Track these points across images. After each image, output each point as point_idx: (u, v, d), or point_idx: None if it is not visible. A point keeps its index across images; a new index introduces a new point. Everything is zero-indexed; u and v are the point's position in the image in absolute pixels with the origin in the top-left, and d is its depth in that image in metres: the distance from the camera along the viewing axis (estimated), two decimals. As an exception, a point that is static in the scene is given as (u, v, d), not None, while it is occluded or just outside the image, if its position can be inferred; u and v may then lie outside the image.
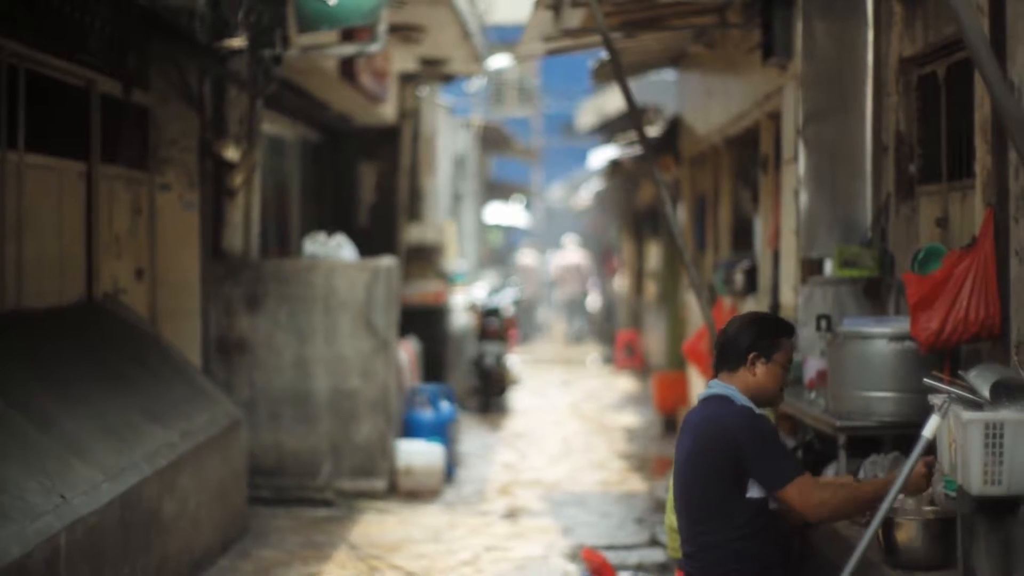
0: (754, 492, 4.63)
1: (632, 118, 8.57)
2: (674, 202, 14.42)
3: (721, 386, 4.81)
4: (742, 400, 4.74)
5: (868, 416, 6.18)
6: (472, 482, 11.70)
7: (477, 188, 28.57)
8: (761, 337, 4.79)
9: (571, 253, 32.99)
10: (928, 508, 4.97)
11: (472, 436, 14.45)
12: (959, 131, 6.21)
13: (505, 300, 19.85)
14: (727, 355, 4.82)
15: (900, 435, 6.04)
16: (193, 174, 9.79)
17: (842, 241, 7.50)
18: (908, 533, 4.82)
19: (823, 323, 6.66)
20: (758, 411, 4.74)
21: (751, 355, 4.77)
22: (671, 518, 5.19)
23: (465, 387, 16.86)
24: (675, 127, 15.04)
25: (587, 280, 31.85)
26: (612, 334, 24.73)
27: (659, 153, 14.33)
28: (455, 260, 18.63)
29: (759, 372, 4.78)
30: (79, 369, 7.44)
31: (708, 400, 4.82)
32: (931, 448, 4.84)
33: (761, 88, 9.70)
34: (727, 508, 4.63)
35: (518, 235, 40.36)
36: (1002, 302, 5.38)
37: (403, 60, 14.91)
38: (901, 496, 4.79)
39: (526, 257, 36.11)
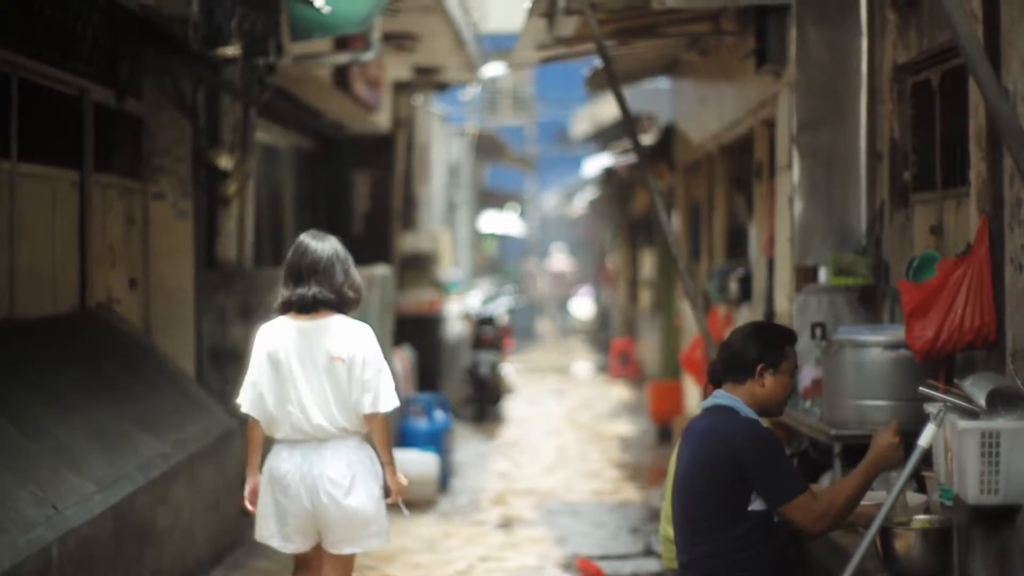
0: (756, 504, 4.61)
1: (626, 126, 8.56)
2: (668, 210, 14.42)
3: (727, 397, 4.77)
4: (747, 412, 4.71)
5: (863, 425, 6.17)
6: (466, 492, 11.67)
7: (471, 196, 28.58)
8: (768, 348, 4.78)
9: (557, 261, 33.96)
10: (925, 517, 4.96)
11: (466, 445, 14.42)
12: (953, 138, 6.20)
13: (499, 309, 19.85)
14: (733, 367, 4.79)
15: (896, 444, 6.02)
16: (187, 183, 9.76)
17: (837, 249, 7.49)
18: (905, 542, 4.81)
19: (818, 331, 6.65)
20: (764, 424, 4.72)
21: (759, 366, 4.75)
22: (667, 528, 5.17)
23: (459, 396, 16.84)
24: (669, 135, 15.05)
25: (571, 286, 32.93)
26: (607, 343, 24.72)
27: (653, 161, 14.32)
28: (449, 269, 18.63)
29: (768, 383, 4.76)
30: (72, 379, 7.41)
31: (712, 411, 4.78)
32: (927, 457, 4.83)
33: (755, 95, 9.70)
34: (728, 519, 4.61)
35: (514, 243, 40.41)
36: (997, 310, 5.37)
37: (397, 68, 14.91)
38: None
39: (532, 263, 36.70)
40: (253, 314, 10.52)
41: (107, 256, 9.00)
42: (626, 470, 12.94)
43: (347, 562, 5.83)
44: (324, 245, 5.79)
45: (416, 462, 10.84)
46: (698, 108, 12.61)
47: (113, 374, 8.04)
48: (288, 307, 5.77)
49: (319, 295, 5.69)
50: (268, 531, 5.81)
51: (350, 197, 16.09)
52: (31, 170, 7.81)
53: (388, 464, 5.79)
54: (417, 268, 16.55)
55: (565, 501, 11.35)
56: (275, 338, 5.75)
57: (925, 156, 6.71)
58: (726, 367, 4.82)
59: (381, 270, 10.97)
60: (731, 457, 4.59)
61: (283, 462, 5.72)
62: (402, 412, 11.53)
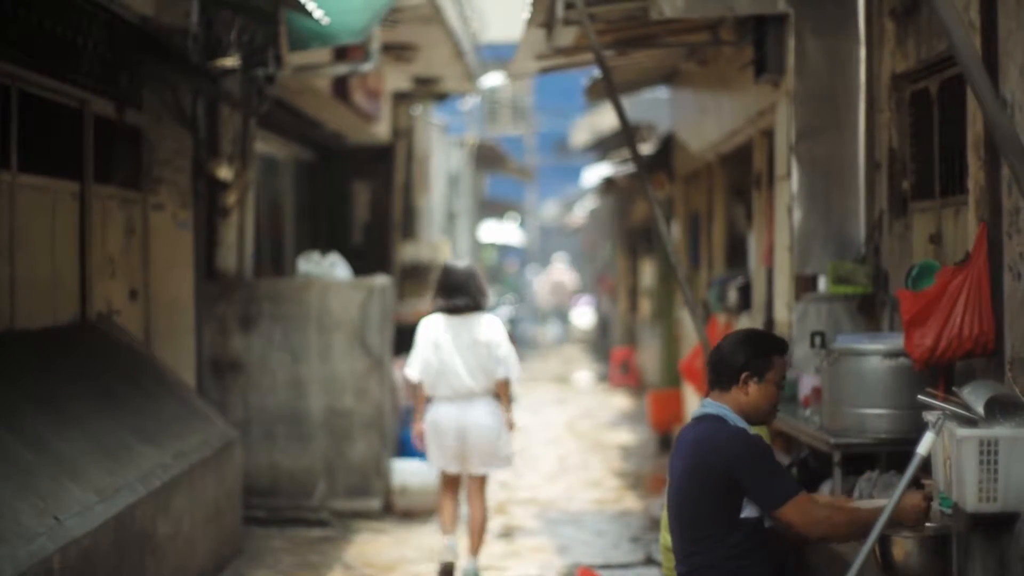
0: (748, 512, 4.61)
1: (625, 136, 8.57)
2: (668, 219, 14.43)
3: (714, 405, 4.78)
4: (735, 420, 4.72)
5: (863, 433, 6.18)
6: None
7: (471, 206, 28.59)
8: (753, 356, 4.76)
9: (557, 271, 34.27)
10: (924, 524, 4.96)
11: (467, 455, 14.39)
12: (952, 147, 6.22)
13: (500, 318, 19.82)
14: (720, 374, 4.80)
15: (895, 452, 6.04)
16: (186, 194, 9.77)
17: (836, 258, 7.51)
18: (904, 550, 4.81)
19: (817, 340, 6.66)
20: (752, 431, 4.72)
21: (743, 374, 4.75)
22: (666, 537, 5.16)
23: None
24: (668, 144, 15.06)
25: (570, 296, 33.29)
26: (607, 352, 24.71)
27: (652, 170, 14.34)
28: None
29: (752, 391, 4.75)
30: (72, 390, 7.42)
31: (701, 420, 4.79)
32: (926, 465, 4.84)
33: (754, 105, 9.71)
34: (721, 528, 4.61)
35: (514, 253, 40.45)
36: (996, 318, 5.38)
37: (396, 79, 14.92)
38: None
39: (540, 277, 37.16)
40: (253, 324, 10.55)
41: (107, 267, 9.01)
42: (627, 479, 12.94)
43: (483, 481, 8.68)
44: (461, 267, 8.74)
45: (417, 472, 10.84)
46: (697, 118, 12.63)
47: (113, 385, 8.05)
48: (442, 310, 8.60)
49: (462, 304, 8.56)
50: (434, 459, 8.62)
51: (350, 207, 16.09)
52: (31, 181, 7.82)
53: (509, 411, 8.62)
54: (417, 278, 16.53)
55: (566, 510, 11.34)
56: (436, 329, 8.61)
57: (924, 165, 6.73)
58: (714, 373, 4.82)
59: (381, 280, 10.97)
60: (721, 467, 4.59)
61: (443, 413, 8.54)
62: (403, 422, 11.54)
